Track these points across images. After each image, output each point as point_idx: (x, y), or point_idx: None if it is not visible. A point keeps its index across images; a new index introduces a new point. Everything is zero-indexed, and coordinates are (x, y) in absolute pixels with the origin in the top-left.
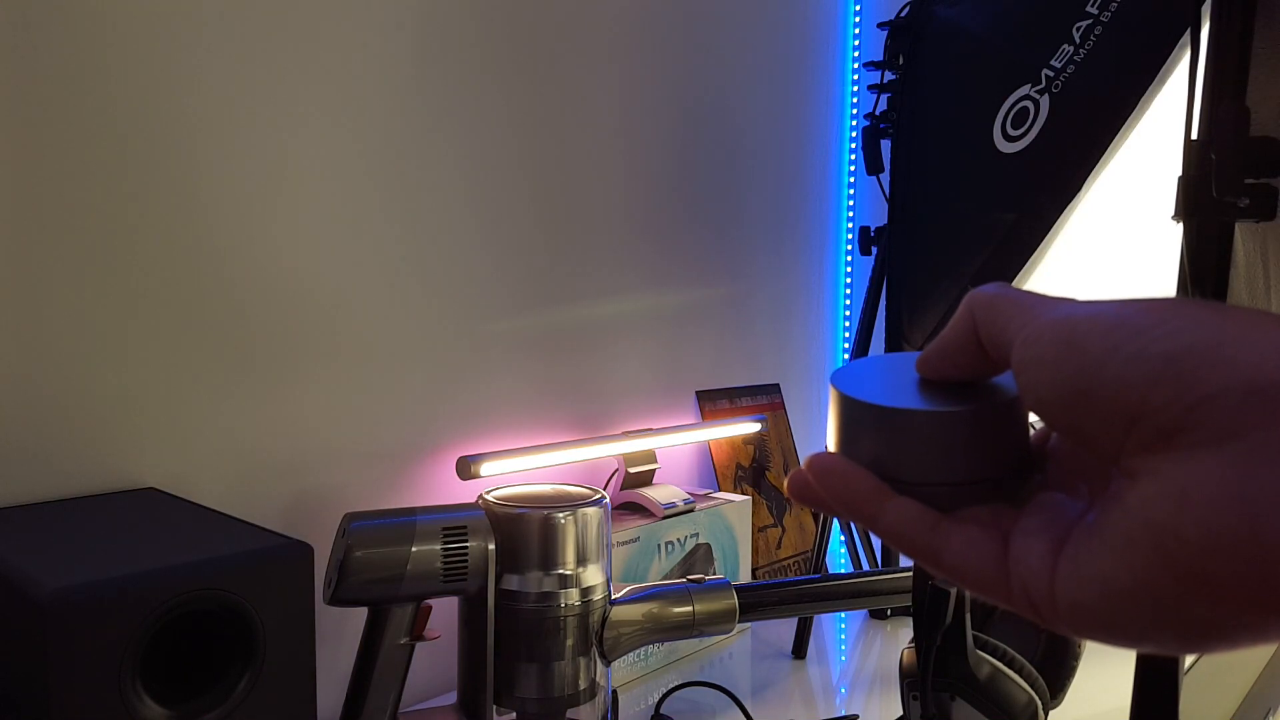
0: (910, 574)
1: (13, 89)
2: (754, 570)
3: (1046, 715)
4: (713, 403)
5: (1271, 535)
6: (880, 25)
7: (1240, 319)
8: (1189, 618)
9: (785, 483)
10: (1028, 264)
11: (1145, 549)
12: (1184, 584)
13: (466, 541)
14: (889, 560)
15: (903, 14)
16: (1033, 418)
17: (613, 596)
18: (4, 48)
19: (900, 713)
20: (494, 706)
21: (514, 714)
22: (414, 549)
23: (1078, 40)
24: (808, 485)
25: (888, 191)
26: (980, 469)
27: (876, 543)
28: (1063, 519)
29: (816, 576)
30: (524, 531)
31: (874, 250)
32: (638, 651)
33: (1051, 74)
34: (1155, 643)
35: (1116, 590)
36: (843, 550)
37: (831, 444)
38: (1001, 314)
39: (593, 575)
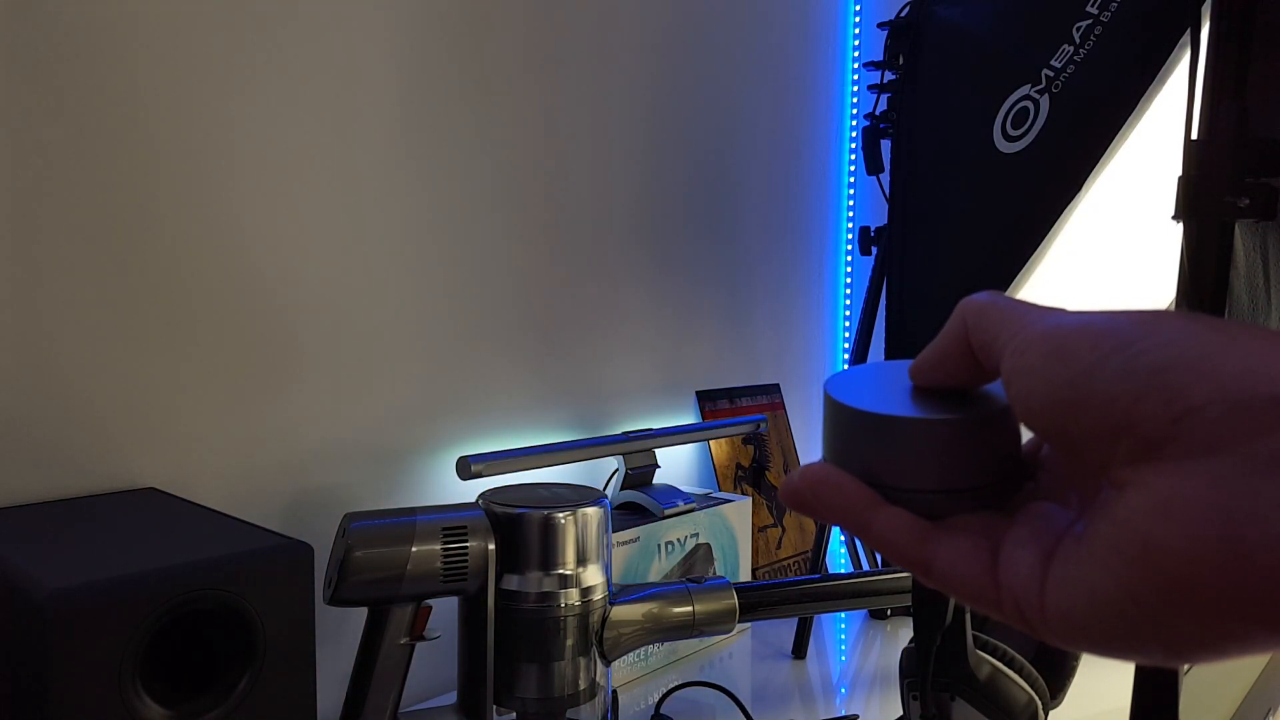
0: (910, 574)
1: (14, 88)
2: (754, 570)
3: (1046, 715)
4: (713, 403)
5: (1254, 547)
6: (880, 25)
7: (1228, 332)
8: (1175, 629)
9: (779, 490)
10: (1028, 264)
11: (1131, 560)
12: (1169, 595)
13: (466, 541)
14: (889, 560)
15: (903, 14)
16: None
17: (613, 597)
18: (5, 47)
19: (900, 713)
20: (494, 706)
21: (514, 714)
22: (414, 549)
23: (1078, 40)
24: (800, 494)
25: (888, 191)
26: (971, 477)
27: None
28: (1053, 528)
29: (816, 576)
30: (524, 531)
31: (874, 250)
32: (638, 651)
33: (1051, 74)
34: (1143, 653)
35: (1103, 601)
36: (843, 550)
37: (825, 450)
38: (992, 323)
39: (593, 575)
